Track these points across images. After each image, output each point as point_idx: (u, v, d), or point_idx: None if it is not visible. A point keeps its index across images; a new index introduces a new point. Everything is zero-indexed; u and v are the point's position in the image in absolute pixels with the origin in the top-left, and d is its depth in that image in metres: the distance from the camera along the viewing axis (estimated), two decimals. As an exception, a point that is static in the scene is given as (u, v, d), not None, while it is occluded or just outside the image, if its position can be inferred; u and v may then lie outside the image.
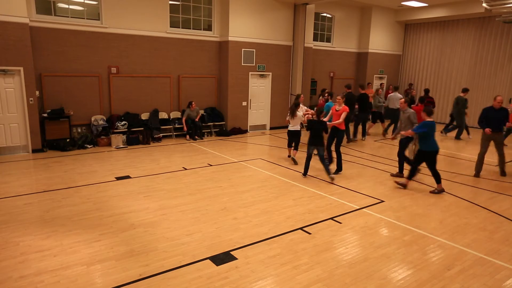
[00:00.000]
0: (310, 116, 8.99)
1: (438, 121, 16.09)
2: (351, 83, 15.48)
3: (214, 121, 12.53)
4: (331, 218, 5.63)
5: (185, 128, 11.40)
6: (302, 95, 9.34)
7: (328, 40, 15.78)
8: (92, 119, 10.42)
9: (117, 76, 10.72)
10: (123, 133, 10.48)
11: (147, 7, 10.82)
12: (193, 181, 7.31)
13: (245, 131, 13.19)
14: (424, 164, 7.14)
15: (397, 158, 8.11)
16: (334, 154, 8.44)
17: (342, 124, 8.19)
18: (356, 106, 11.81)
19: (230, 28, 12.02)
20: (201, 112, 12.22)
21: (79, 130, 10.35)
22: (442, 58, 16.44)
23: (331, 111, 8.57)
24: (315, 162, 9.02)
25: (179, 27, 11.68)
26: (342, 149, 10.60)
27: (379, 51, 16.76)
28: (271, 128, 13.87)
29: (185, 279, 3.90)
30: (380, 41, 16.65)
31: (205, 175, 7.75)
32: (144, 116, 11.27)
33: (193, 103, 11.38)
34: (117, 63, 10.66)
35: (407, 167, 7.67)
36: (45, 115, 9.47)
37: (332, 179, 7.46)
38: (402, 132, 7.43)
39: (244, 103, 13.02)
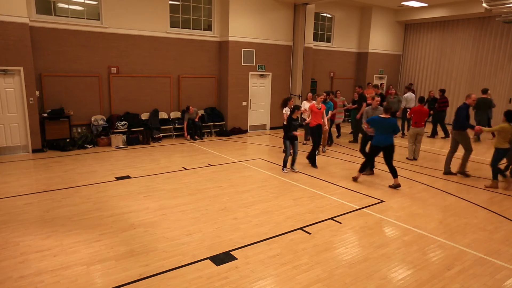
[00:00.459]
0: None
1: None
2: (378, 83, 15.67)
3: (214, 121, 12.53)
4: (331, 218, 5.63)
5: (185, 134, 11.42)
6: (292, 99, 9.30)
7: (328, 40, 15.78)
8: (92, 119, 10.42)
9: (117, 76, 10.72)
10: (123, 133, 10.48)
11: (147, 7, 10.82)
12: (193, 181, 7.31)
13: (245, 131, 13.19)
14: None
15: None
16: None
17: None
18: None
19: (230, 28, 12.02)
20: (201, 112, 12.23)
21: (79, 130, 10.35)
22: (442, 58, 16.44)
23: (309, 110, 8.95)
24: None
25: (179, 27, 11.68)
26: (341, 149, 10.63)
27: (379, 51, 16.76)
28: (271, 128, 13.87)
29: (185, 279, 3.90)
30: (380, 41, 16.66)
31: (205, 175, 7.75)
32: (144, 116, 11.27)
33: (190, 107, 11.35)
34: (117, 63, 10.66)
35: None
36: (45, 115, 9.47)
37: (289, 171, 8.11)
38: (364, 126, 7.85)
39: (244, 103, 13.02)
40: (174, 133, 11.72)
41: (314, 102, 9.26)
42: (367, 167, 7.59)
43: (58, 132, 9.64)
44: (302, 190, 6.95)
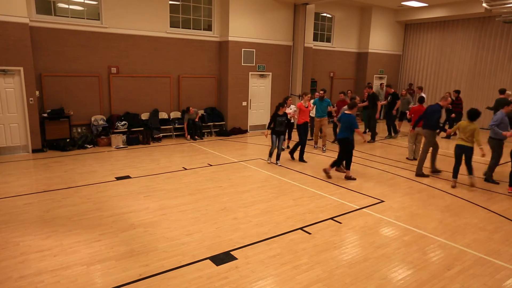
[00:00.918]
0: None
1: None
2: (378, 83, 15.76)
3: (214, 121, 12.53)
4: (331, 218, 5.63)
5: (186, 134, 11.46)
6: (290, 98, 9.52)
7: (328, 40, 15.78)
8: (92, 119, 10.42)
9: (117, 76, 10.72)
10: (123, 133, 10.48)
11: (147, 7, 10.82)
12: (193, 181, 7.31)
13: (245, 131, 13.19)
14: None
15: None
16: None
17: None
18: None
19: (230, 28, 12.02)
20: (201, 112, 12.23)
21: (79, 130, 10.35)
22: (442, 58, 16.44)
23: (297, 108, 9.24)
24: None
25: (179, 27, 11.68)
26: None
27: (379, 51, 16.76)
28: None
29: (185, 279, 3.90)
30: (380, 41, 16.66)
31: (205, 175, 7.75)
32: (144, 116, 11.27)
33: (190, 108, 11.37)
34: (117, 63, 10.66)
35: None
36: (45, 115, 9.47)
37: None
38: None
39: (244, 103, 13.02)
40: (174, 133, 11.73)
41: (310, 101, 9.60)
42: (340, 163, 7.99)
43: (58, 132, 9.65)
44: (302, 190, 6.95)
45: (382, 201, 6.46)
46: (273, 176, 7.82)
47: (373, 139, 11.92)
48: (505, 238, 5.15)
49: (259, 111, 13.53)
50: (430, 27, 16.71)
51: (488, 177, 7.76)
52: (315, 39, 14.94)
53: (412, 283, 3.96)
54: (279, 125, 8.49)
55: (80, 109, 10.24)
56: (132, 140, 10.49)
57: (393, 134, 12.58)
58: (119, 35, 10.53)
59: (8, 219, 5.30)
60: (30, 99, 9.01)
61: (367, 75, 16.53)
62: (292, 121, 9.48)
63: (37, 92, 9.30)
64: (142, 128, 10.85)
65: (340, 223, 5.48)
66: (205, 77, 12.46)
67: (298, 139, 9.15)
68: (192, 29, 11.95)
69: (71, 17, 9.90)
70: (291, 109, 9.82)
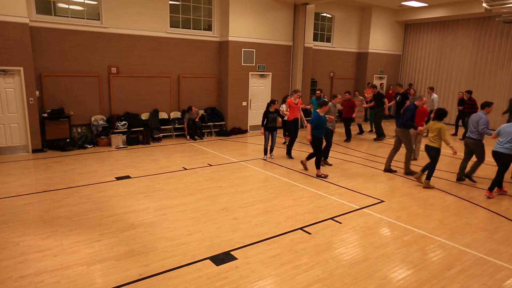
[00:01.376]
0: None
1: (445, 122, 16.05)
2: (378, 83, 15.87)
3: (214, 121, 12.53)
4: (331, 218, 5.63)
5: (186, 134, 11.48)
6: (276, 102, 9.55)
7: (328, 40, 15.78)
8: (92, 119, 10.42)
9: (117, 76, 10.72)
10: (123, 133, 10.48)
11: (147, 7, 10.82)
12: (193, 181, 7.31)
13: (245, 131, 13.19)
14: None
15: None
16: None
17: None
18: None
19: (230, 28, 12.02)
20: (201, 112, 12.24)
21: (79, 130, 10.35)
22: (442, 58, 16.44)
23: (287, 105, 9.67)
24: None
25: (179, 27, 11.68)
26: (343, 149, 10.63)
27: (379, 51, 16.76)
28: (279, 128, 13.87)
29: (185, 279, 3.90)
30: (380, 41, 16.66)
31: (205, 175, 7.75)
32: (144, 116, 11.27)
33: (192, 108, 11.40)
34: (117, 63, 10.66)
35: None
36: (45, 115, 9.47)
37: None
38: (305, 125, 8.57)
39: (244, 103, 13.02)
40: (174, 133, 11.73)
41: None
42: (322, 159, 8.39)
43: (58, 132, 9.65)
44: (302, 190, 6.95)
45: (382, 201, 6.46)
46: (273, 176, 7.82)
47: (378, 137, 12.23)
48: (505, 238, 5.15)
49: (259, 111, 13.51)
50: (430, 27, 16.71)
51: (470, 173, 7.67)
52: (315, 39, 14.95)
53: (412, 283, 3.96)
54: (271, 122, 9.00)
55: (80, 109, 10.24)
56: (132, 140, 10.49)
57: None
58: (119, 35, 10.53)
59: (8, 219, 5.30)
60: (30, 99, 9.01)
61: (367, 75, 16.53)
62: (284, 118, 9.72)
63: (37, 92, 9.30)
64: (142, 128, 10.85)
65: (340, 223, 5.48)
66: (205, 77, 12.46)
67: (289, 135, 9.63)
68: (192, 29, 11.95)
69: (71, 17, 9.90)
70: (282, 108, 10.08)
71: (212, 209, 5.89)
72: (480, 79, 15.25)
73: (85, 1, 10.10)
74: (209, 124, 12.40)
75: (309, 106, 11.93)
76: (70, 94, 10.05)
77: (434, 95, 12.75)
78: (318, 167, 7.87)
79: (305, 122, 9.49)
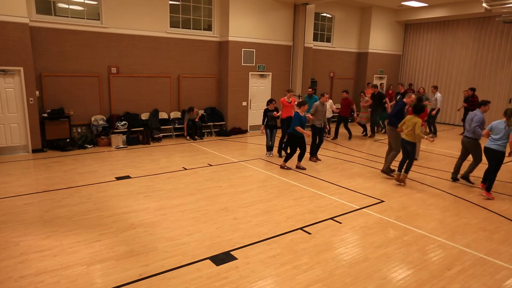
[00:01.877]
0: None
1: (442, 122, 16.07)
2: (378, 83, 15.94)
3: (214, 121, 12.53)
4: (331, 218, 5.63)
5: (185, 134, 11.47)
6: (274, 101, 9.60)
7: (328, 40, 15.78)
8: (92, 119, 10.42)
9: (117, 76, 10.72)
10: (123, 133, 10.48)
11: (147, 7, 10.82)
12: (193, 181, 7.31)
13: (245, 131, 13.19)
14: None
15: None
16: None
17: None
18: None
19: (230, 28, 12.02)
20: (201, 112, 12.24)
21: (79, 130, 10.35)
22: (442, 58, 16.44)
23: (281, 103, 9.93)
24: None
25: (179, 27, 11.68)
26: (343, 149, 10.63)
27: (379, 51, 16.76)
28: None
29: (185, 279, 3.90)
30: (380, 41, 16.65)
31: (205, 175, 7.75)
32: (144, 116, 11.27)
33: (194, 109, 11.44)
34: (117, 63, 10.66)
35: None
36: (45, 115, 9.47)
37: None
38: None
39: (244, 103, 13.02)
40: (174, 133, 11.73)
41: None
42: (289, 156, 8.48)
43: (58, 132, 9.65)
44: (302, 190, 6.95)
45: (382, 201, 6.46)
46: (273, 176, 7.82)
47: (372, 133, 12.66)
48: (505, 238, 5.15)
49: (259, 111, 13.51)
50: (430, 27, 16.71)
51: (467, 174, 7.58)
52: (315, 39, 14.94)
53: (412, 283, 3.96)
54: (270, 120, 9.30)
55: (80, 109, 10.24)
56: (132, 140, 10.49)
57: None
58: (119, 35, 10.53)
59: (8, 219, 5.30)
60: (30, 99, 9.01)
61: (367, 75, 16.53)
62: (278, 115, 9.82)
63: (37, 92, 9.30)
64: (142, 128, 10.85)
65: (340, 223, 5.48)
66: (205, 77, 12.46)
67: (282, 134, 9.87)
68: (192, 29, 11.95)
69: (71, 17, 9.90)
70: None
71: (212, 209, 5.89)
72: (480, 79, 15.25)
73: (85, 1, 10.10)
74: (209, 124, 12.40)
75: (369, 102, 12.45)
76: (70, 94, 10.05)
77: (438, 94, 12.80)
78: (285, 160, 8.38)
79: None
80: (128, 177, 7.47)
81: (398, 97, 12.69)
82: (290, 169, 8.32)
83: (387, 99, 12.35)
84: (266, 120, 9.33)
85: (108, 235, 4.87)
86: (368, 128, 12.99)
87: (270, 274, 4.04)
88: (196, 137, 11.62)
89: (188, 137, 11.54)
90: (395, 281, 3.99)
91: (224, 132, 12.43)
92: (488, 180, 6.74)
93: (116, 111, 10.84)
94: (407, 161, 7.30)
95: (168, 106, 11.80)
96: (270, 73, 13.44)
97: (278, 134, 11.28)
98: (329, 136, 12.45)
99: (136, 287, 3.76)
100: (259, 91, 13.37)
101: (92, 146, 10.08)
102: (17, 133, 9.07)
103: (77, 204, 5.93)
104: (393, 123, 7.77)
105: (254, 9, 12.41)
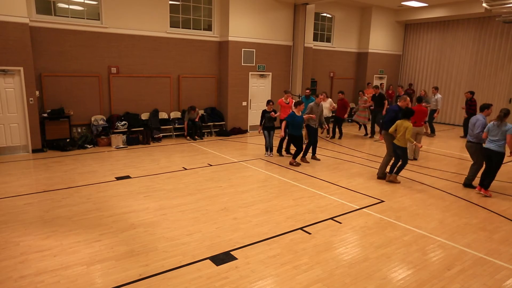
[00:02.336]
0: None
1: (442, 122, 16.07)
2: (378, 83, 15.93)
3: (214, 121, 12.53)
4: (331, 218, 5.63)
5: (186, 134, 11.49)
6: (272, 102, 9.60)
7: (328, 40, 15.78)
8: (92, 119, 10.42)
9: (117, 76, 10.72)
10: (123, 133, 10.48)
11: (147, 7, 10.82)
12: (193, 181, 7.31)
13: (245, 131, 13.19)
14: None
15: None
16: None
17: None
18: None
19: (230, 28, 12.02)
20: (201, 112, 12.24)
21: (79, 130, 10.35)
22: (442, 58, 16.44)
23: (278, 104, 10.13)
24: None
25: (179, 27, 11.68)
26: (343, 149, 10.63)
27: (379, 51, 16.76)
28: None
29: (185, 279, 3.90)
30: (380, 41, 16.65)
31: (205, 175, 7.75)
32: (144, 116, 11.27)
33: (196, 109, 11.48)
34: (117, 63, 10.66)
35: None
36: (45, 115, 9.47)
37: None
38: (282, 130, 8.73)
39: (244, 103, 13.02)
40: (174, 133, 11.73)
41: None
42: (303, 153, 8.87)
43: (58, 132, 9.65)
44: (302, 190, 6.95)
45: (382, 201, 6.46)
46: (273, 176, 7.82)
47: (372, 134, 12.67)
48: (505, 238, 5.15)
49: (259, 111, 13.48)
50: (430, 27, 16.70)
51: (469, 181, 7.40)
52: (315, 39, 14.94)
53: (412, 283, 3.96)
54: (268, 121, 9.34)
55: (80, 109, 10.24)
56: (132, 140, 10.49)
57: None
58: (119, 35, 10.53)
59: (8, 219, 5.30)
60: (30, 99, 9.01)
61: (367, 75, 16.52)
62: (276, 115, 9.88)
63: (37, 92, 9.30)
64: (142, 128, 10.85)
65: (340, 223, 5.48)
66: (205, 77, 12.46)
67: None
68: (192, 29, 11.95)
69: (71, 17, 9.90)
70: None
71: (212, 209, 5.89)
72: (480, 79, 15.25)
73: (85, 1, 10.10)
74: (209, 124, 12.40)
75: (370, 103, 12.51)
76: (70, 94, 10.05)
77: (438, 95, 12.81)
78: (294, 157, 8.66)
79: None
80: (128, 177, 7.47)
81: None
82: (300, 164, 8.64)
83: (385, 101, 12.28)
84: (263, 121, 9.38)
85: (108, 235, 4.87)
86: (369, 128, 12.98)
87: (270, 274, 4.05)
88: (196, 137, 11.62)
89: (188, 137, 11.54)
90: (395, 281, 3.99)
91: (224, 132, 12.43)
92: (487, 179, 6.75)
93: (116, 111, 10.84)
94: (399, 164, 7.40)
95: (168, 106, 11.80)
96: (270, 73, 13.44)
97: (278, 133, 11.26)
98: (328, 135, 12.46)
99: (136, 287, 3.76)
100: (259, 91, 13.37)
101: (92, 146, 10.08)
102: (17, 133, 9.07)
103: (77, 204, 5.93)
104: (388, 128, 7.70)
105: (254, 9, 12.41)
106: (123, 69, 10.78)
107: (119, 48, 10.60)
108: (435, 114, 12.71)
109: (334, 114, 12.43)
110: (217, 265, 4.20)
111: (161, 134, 11.21)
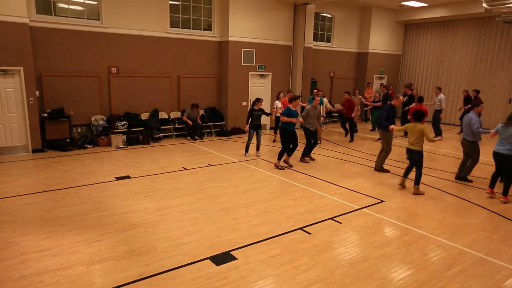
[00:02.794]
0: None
1: (442, 122, 16.03)
2: (385, 83, 15.98)
3: (214, 121, 12.53)
4: (331, 218, 5.63)
5: (190, 122, 11.35)
6: (261, 100, 9.56)
7: (328, 40, 15.78)
8: (92, 119, 10.42)
9: (117, 76, 10.72)
10: (123, 133, 10.48)
11: (147, 7, 10.82)
12: (193, 181, 7.31)
13: (245, 131, 13.17)
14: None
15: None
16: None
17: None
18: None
19: (230, 28, 12.02)
20: (201, 112, 12.24)
21: (79, 130, 10.35)
22: (442, 58, 16.44)
23: (282, 104, 10.46)
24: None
25: (179, 27, 11.68)
26: (342, 149, 10.64)
27: (379, 51, 16.75)
28: (271, 128, 13.85)
29: (185, 279, 3.90)
30: (380, 41, 16.65)
31: (205, 175, 7.75)
32: (144, 116, 11.27)
33: (198, 107, 11.50)
34: (117, 63, 10.66)
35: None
36: (45, 115, 9.47)
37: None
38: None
39: (244, 103, 13.02)
40: (174, 133, 11.73)
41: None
42: (291, 153, 8.58)
43: (58, 132, 9.64)
44: (302, 190, 6.95)
45: (382, 201, 6.46)
46: (273, 176, 7.82)
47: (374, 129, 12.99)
48: (505, 238, 5.15)
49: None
50: (430, 27, 16.70)
51: (465, 174, 7.70)
52: (315, 39, 14.94)
53: (412, 283, 3.96)
54: (256, 120, 9.24)
55: (80, 109, 10.23)
56: (132, 140, 10.49)
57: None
58: (119, 35, 10.53)
59: (8, 219, 5.30)
60: (30, 99, 9.01)
61: (367, 75, 16.52)
62: (277, 114, 10.10)
63: (37, 92, 9.30)
64: (142, 128, 10.85)
65: (340, 223, 5.48)
66: (205, 77, 12.46)
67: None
68: (192, 29, 11.95)
69: (71, 17, 9.90)
70: (277, 105, 10.91)
71: (212, 209, 5.89)
72: (480, 79, 15.24)
73: (85, 1, 10.10)
74: (209, 124, 12.40)
75: (377, 104, 12.64)
76: (70, 94, 10.05)
77: (441, 95, 12.72)
78: (279, 158, 8.41)
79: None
80: (128, 177, 7.47)
81: (405, 99, 12.52)
82: (284, 168, 8.33)
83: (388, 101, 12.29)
84: (250, 120, 9.24)
85: (108, 235, 4.87)
86: (365, 126, 13.03)
87: (270, 274, 4.05)
88: (196, 137, 11.62)
89: (188, 137, 11.54)
90: (395, 281, 3.99)
91: (224, 132, 12.43)
92: (504, 185, 6.59)
93: (116, 111, 10.84)
94: (415, 171, 6.93)
95: (168, 106, 11.80)
96: (270, 73, 13.44)
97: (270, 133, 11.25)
98: (346, 138, 12.39)
99: (136, 287, 3.76)
100: (259, 91, 13.37)
101: (92, 146, 10.08)
102: (17, 133, 9.07)
103: (77, 204, 5.93)
104: (385, 126, 7.87)
105: (254, 9, 12.41)
106: (123, 69, 10.78)
107: (119, 48, 10.60)
108: (441, 115, 12.41)
109: (342, 115, 12.38)
110: (217, 265, 4.20)
111: (161, 134, 11.21)
